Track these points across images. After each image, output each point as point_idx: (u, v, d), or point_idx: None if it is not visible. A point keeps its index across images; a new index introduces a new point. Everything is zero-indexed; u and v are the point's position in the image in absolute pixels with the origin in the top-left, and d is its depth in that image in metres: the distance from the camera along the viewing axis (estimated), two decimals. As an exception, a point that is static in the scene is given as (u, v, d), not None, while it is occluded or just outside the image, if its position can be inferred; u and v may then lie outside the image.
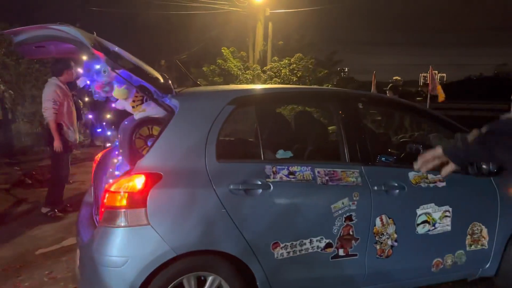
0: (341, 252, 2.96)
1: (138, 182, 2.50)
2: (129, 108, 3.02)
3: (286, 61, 17.91)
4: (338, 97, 3.47)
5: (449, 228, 3.24)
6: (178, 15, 22.51)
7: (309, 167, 2.93)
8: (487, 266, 3.46)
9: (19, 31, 2.71)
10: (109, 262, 2.46)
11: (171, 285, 2.58)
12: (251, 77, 19.03)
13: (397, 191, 3.08)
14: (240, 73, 19.48)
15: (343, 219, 2.93)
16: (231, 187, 2.69)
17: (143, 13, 26.61)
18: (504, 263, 3.47)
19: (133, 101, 2.97)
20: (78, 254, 2.85)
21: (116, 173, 2.94)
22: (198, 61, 27.39)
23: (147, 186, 2.50)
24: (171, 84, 2.90)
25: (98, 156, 3.64)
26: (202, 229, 2.60)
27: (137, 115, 3.00)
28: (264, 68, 19.12)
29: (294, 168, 2.87)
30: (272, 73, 18.80)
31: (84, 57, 2.91)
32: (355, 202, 2.95)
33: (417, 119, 3.76)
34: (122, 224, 2.47)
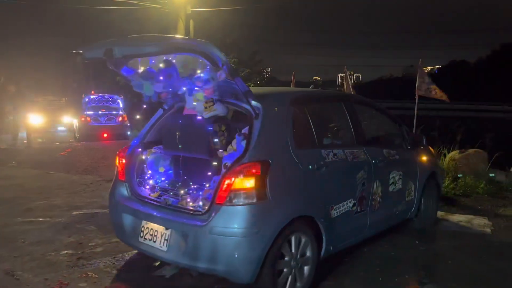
0: (359, 209, 4.06)
1: (260, 168, 3.16)
2: (200, 109, 3.62)
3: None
4: (347, 98, 4.77)
5: (400, 186, 4.71)
6: (94, 9, 21.39)
7: (342, 150, 3.96)
8: (412, 210, 5.05)
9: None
10: (245, 233, 3.06)
11: (282, 244, 3.27)
12: (173, 75, 18.67)
13: (382, 162, 4.38)
14: (162, 71, 19.04)
15: (361, 185, 4.07)
16: (310, 167, 3.53)
17: (55, 6, 25.00)
18: (421, 208, 5.15)
19: (206, 102, 3.58)
20: (169, 235, 3.32)
21: (227, 163, 3.35)
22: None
23: (265, 171, 3.18)
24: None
25: (124, 153, 3.98)
26: (300, 200, 3.45)
27: (207, 114, 3.61)
28: (187, 66, 18.86)
29: (335, 151, 3.87)
30: (195, 72, 18.60)
31: (161, 65, 3.45)
32: (366, 172, 4.13)
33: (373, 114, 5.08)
34: (251, 202, 3.09)
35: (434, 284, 3.81)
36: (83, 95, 18.04)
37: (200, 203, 3.44)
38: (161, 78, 3.53)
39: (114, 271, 3.90)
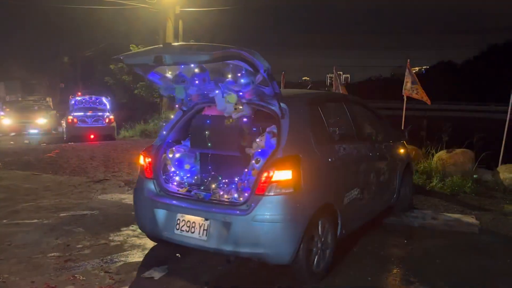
0: (361, 196, 4.54)
1: (294, 162, 3.57)
2: (230, 110, 3.96)
3: (198, 60, 17.77)
4: (347, 98, 5.29)
5: (387, 175, 5.28)
6: (83, 9, 21.19)
7: (348, 145, 4.46)
8: (395, 196, 5.64)
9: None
10: (285, 219, 3.45)
11: (313, 228, 3.70)
12: (162, 76, 18.58)
13: (376, 156, 4.99)
14: (151, 72, 18.94)
15: (363, 175, 4.65)
16: (329, 160, 4.02)
17: (42, 5, 24.71)
18: (400, 194, 5.75)
19: (236, 103, 3.90)
20: (208, 225, 3.63)
21: (259, 158, 3.78)
22: (105, 58, 26.05)
23: (298, 164, 3.58)
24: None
25: (149, 152, 4.22)
26: (324, 189, 3.90)
27: (236, 115, 3.99)
28: (176, 66, 18.76)
29: (344, 146, 4.36)
30: (184, 72, 18.52)
31: (197, 70, 3.85)
32: (366, 164, 4.72)
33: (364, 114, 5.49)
34: (289, 191, 3.49)
35: (422, 283, 3.84)
36: (70, 97, 17.95)
37: (235, 195, 3.80)
38: (196, 82, 3.91)
39: (102, 273, 3.86)
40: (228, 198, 3.81)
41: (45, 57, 37.24)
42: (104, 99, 17.41)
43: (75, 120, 15.97)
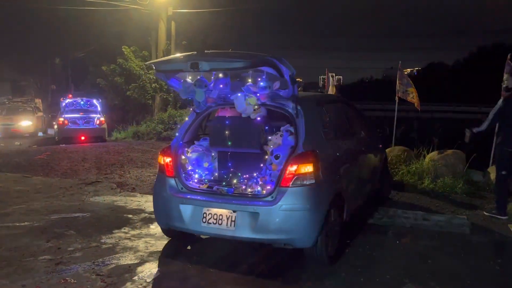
0: (359, 183, 5.23)
1: (314, 156, 3.99)
2: (250, 111, 4.35)
3: (190, 61, 17.69)
4: (341, 99, 6.06)
5: (373, 165, 6.02)
6: (74, 10, 21.04)
7: (347, 140, 5.14)
8: (379, 181, 6.31)
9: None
10: (309, 208, 3.87)
11: (329, 215, 4.13)
12: (154, 77, 18.51)
13: (367, 149, 5.73)
14: (143, 73, 18.86)
15: (359, 166, 5.29)
16: (337, 154, 4.60)
17: (33, 6, 24.49)
18: (383, 180, 6.53)
19: (255, 105, 4.30)
20: (236, 216, 3.96)
21: (278, 154, 4.23)
22: (97, 60, 25.89)
23: (317, 158, 4.00)
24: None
25: (169, 152, 4.48)
26: (336, 179, 4.38)
27: (254, 115, 4.41)
28: (168, 68, 18.66)
29: (345, 141, 5.01)
30: (176, 73, 18.43)
31: (221, 75, 4.30)
32: (360, 156, 5.39)
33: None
34: (311, 183, 3.90)
35: (414, 284, 3.86)
36: (61, 99, 17.88)
37: (258, 188, 4.18)
38: (221, 86, 4.35)
39: (94, 276, 3.84)
40: (251, 191, 4.17)
41: (36, 59, 36.89)
42: (95, 101, 17.42)
43: (66, 121, 16.02)
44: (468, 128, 6.21)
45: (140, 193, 7.14)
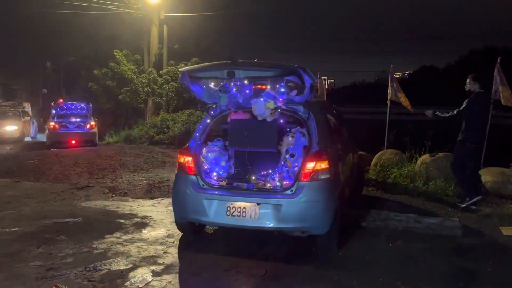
0: (350, 177, 5.80)
1: (327, 154, 4.48)
2: (267, 114, 4.78)
3: (183, 65, 17.66)
4: (331, 105, 6.46)
5: (354, 161, 6.40)
6: (65, 14, 20.93)
7: (342, 140, 5.73)
8: (356, 176, 6.70)
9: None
10: (325, 199, 4.35)
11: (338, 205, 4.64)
12: (146, 81, 18.47)
13: (350, 149, 6.20)
14: (135, 77, 18.79)
15: (349, 164, 5.86)
16: (340, 152, 5.15)
17: (24, 10, 24.33)
18: (359, 175, 7.15)
19: (271, 108, 4.73)
20: (259, 208, 4.33)
21: (294, 153, 4.74)
22: (89, 63, 25.75)
23: (329, 156, 4.49)
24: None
25: (188, 152, 4.79)
26: (341, 174, 4.94)
27: (271, 118, 4.85)
28: (160, 71, 18.66)
29: (341, 142, 5.58)
30: (169, 77, 18.42)
31: (246, 82, 4.74)
32: (349, 154, 5.98)
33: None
34: (327, 177, 4.40)
35: (407, 286, 3.87)
36: (52, 103, 17.79)
37: (277, 183, 4.65)
38: (247, 91, 4.82)
39: (85, 282, 3.80)
40: (270, 186, 4.62)
41: (27, 62, 36.68)
42: (85, 105, 17.37)
43: (56, 126, 16.02)
44: (436, 111, 6.81)
45: (132, 198, 7.10)
